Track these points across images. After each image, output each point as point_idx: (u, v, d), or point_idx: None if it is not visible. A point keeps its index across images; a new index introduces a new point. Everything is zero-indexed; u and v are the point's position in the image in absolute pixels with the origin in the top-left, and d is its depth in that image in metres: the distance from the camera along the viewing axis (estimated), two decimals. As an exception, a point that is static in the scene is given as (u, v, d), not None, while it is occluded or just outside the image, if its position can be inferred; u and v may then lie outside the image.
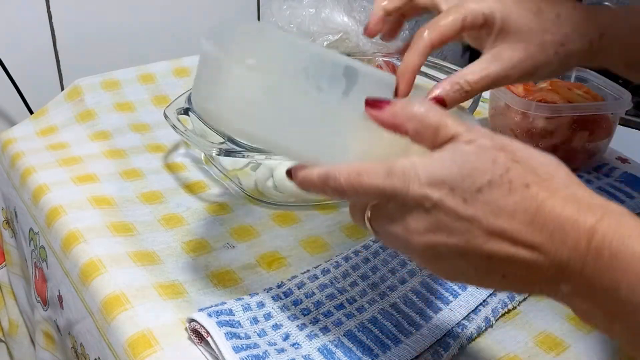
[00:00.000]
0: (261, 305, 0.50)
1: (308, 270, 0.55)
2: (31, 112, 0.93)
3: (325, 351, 0.47)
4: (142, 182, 0.70)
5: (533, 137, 0.71)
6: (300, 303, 0.51)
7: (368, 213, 0.38)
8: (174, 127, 0.64)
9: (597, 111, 0.70)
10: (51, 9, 0.95)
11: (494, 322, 0.52)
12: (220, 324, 0.47)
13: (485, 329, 0.51)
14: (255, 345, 0.46)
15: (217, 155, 0.60)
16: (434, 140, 0.36)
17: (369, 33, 0.52)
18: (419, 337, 0.48)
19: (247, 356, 0.45)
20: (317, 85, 0.52)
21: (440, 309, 0.51)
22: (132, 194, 0.67)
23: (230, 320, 0.48)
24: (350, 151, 0.39)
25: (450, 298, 0.52)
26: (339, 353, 0.47)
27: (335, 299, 0.52)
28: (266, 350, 0.46)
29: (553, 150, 0.68)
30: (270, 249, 0.60)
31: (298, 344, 0.47)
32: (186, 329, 0.49)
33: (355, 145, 0.39)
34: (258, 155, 0.61)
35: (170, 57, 0.92)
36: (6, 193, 0.77)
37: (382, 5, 0.52)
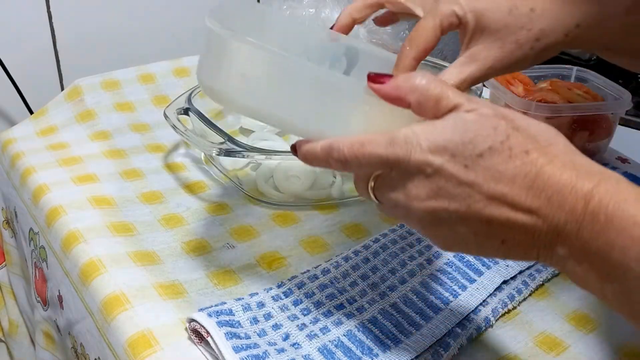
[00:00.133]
0: (261, 305, 0.50)
1: (308, 270, 0.55)
2: (31, 112, 0.93)
3: (325, 351, 0.47)
4: (142, 182, 0.70)
5: (533, 137, 0.71)
6: (300, 303, 0.51)
7: (372, 183, 0.39)
8: (174, 127, 0.64)
9: (597, 111, 0.70)
10: (51, 9, 0.96)
11: (494, 322, 0.52)
12: (220, 324, 0.47)
13: (485, 329, 0.51)
14: (255, 345, 0.46)
15: (217, 155, 0.60)
16: (435, 112, 0.37)
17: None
18: (419, 337, 0.48)
19: (247, 356, 0.45)
20: (320, 63, 0.53)
21: (440, 309, 0.51)
22: (132, 194, 0.67)
23: (230, 320, 0.48)
24: (353, 125, 0.40)
25: (450, 298, 0.52)
26: (339, 353, 0.47)
27: (335, 299, 0.52)
28: (266, 350, 0.46)
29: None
30: (270, 249, 0.60)
31: (298, 344, 0.47)
32: (186, 329, 0.49)
33: (358, 119, 0.40)
34: (258, 155, 0.61)
35: (170, 57, 0.91)
36: (6, 193, 0.77)
37: (349, 12, 0.52)
